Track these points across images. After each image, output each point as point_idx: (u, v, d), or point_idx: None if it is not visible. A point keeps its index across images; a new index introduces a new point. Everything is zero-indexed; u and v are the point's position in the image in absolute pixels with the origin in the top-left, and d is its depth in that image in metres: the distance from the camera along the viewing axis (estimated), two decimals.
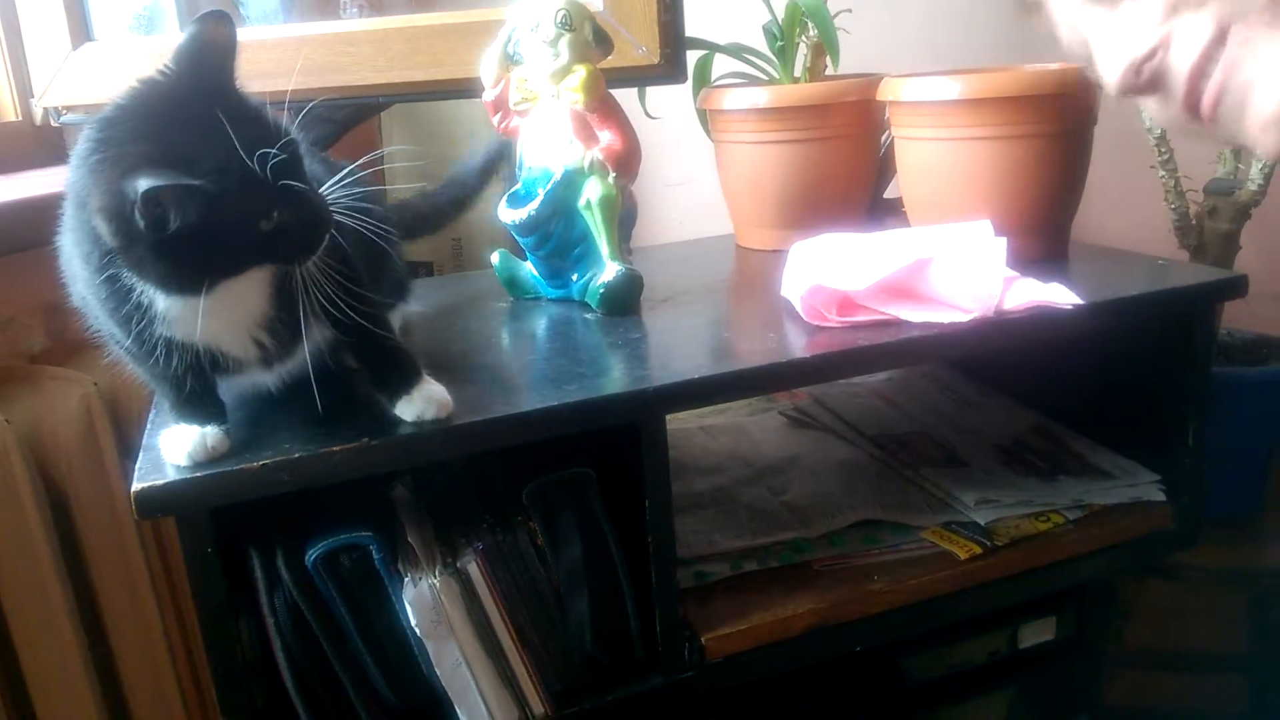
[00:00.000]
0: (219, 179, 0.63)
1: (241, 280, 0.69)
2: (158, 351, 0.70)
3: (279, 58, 1.11)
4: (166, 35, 1.18)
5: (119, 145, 0.64)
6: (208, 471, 0.71)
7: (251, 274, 0.69)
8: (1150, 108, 0.69)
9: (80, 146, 0.66)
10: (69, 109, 1.14)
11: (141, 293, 0.67)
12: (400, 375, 0.76)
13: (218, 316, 0.69)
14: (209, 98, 0.66)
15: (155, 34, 1.19)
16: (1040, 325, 0.92)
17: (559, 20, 0.95)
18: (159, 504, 0.71)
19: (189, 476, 0.70)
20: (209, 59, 0.68)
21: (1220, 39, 0.59)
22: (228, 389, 0.78)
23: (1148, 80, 0.63)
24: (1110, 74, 0.65)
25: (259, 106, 0.69)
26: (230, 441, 0.74)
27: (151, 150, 0.63)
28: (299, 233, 0.69)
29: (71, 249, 0.70)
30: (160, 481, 0.70)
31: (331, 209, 0.71)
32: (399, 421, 0.76)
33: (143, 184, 0.60)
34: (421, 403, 0.76)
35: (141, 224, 0.62)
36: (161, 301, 0.67)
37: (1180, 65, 0.61)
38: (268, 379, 0.78)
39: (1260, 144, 0.61)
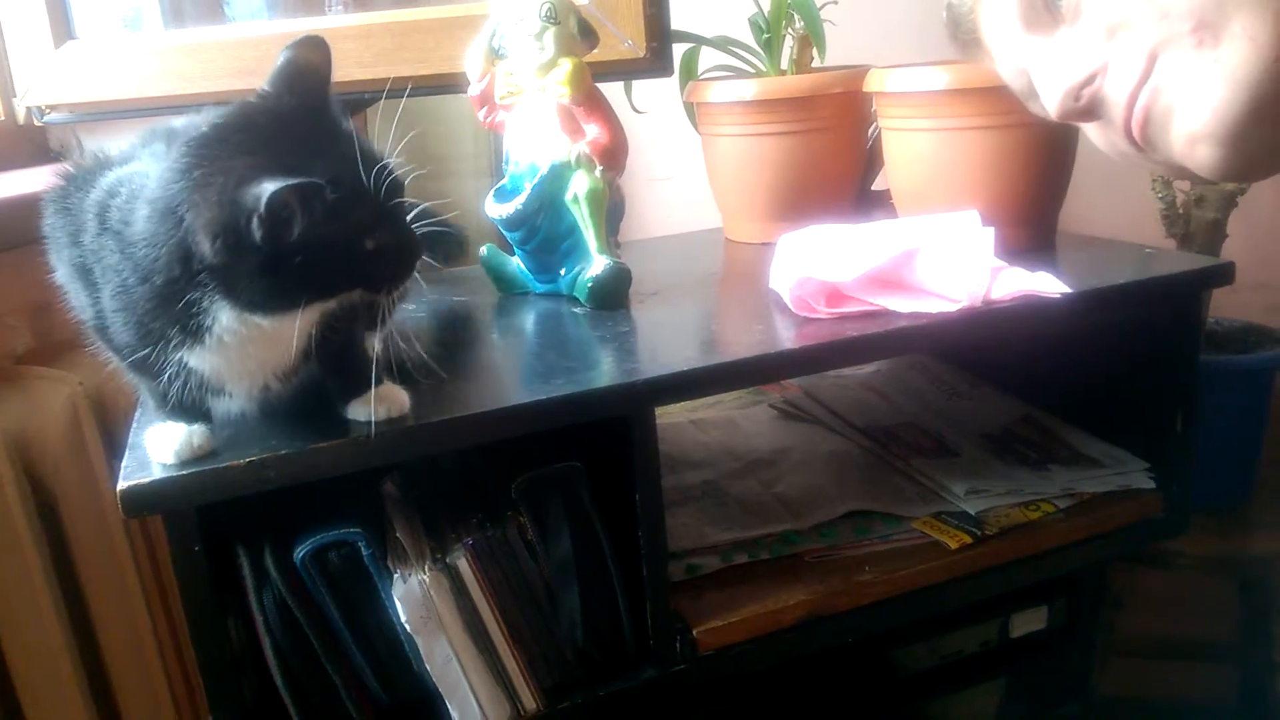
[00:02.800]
0: (335, 188, 0.62)
1: (300, 321, 0.68)
2: (169, 372, 0.69)
3: (263, 55, 1.10)
4: (150, 33, 1.18)
5: (226, 159, 0.63)
6: (193, 469, 0.70)
7: (305, 319, 0.68)
8: (1091, 135, 0.70)
9: (176, 162, 0.64)
10: (52, 108, 1.14)
11: (204, 315, 0.66)
12: (357, 379, 0.74)
13: (251, 359, 0.70)
14: (311, 119, 0.66)
15: (139, 31, 1.18)
16: (1028, 315, 0.92)
17: (544, 14, 0.95)
18: (145, 502, 0.70)
19: (175, 474, 0.70)
20: (307, 83, 0.68)
21: (1152, 68, 0.60)
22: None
23: (1086, 105, 0.64)
24: (1050, 99, 0.66)
25: (356, 134, 0.68)
26: (216, 439, 0.74)
27: (264, 162, 0.62)
28: (394, 259, 0.69)
29: (109, 248, 0.67)
30: (146, 479, 0.70)
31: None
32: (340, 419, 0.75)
33: (269, 187, 0.59)
34: (373, 402, 0.74)
35: (258, 235, 0.61)
36: (221, 323, 0.66)
37: (1117, 94, 0.62)
38: (250, 406, 0.76)
39: (1189, 159, 0.62)
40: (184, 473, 0.70)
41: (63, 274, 0.74)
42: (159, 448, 0.71)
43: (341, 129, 0.67)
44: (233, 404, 0.75)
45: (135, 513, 0.71)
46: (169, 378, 0.70)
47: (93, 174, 0.72)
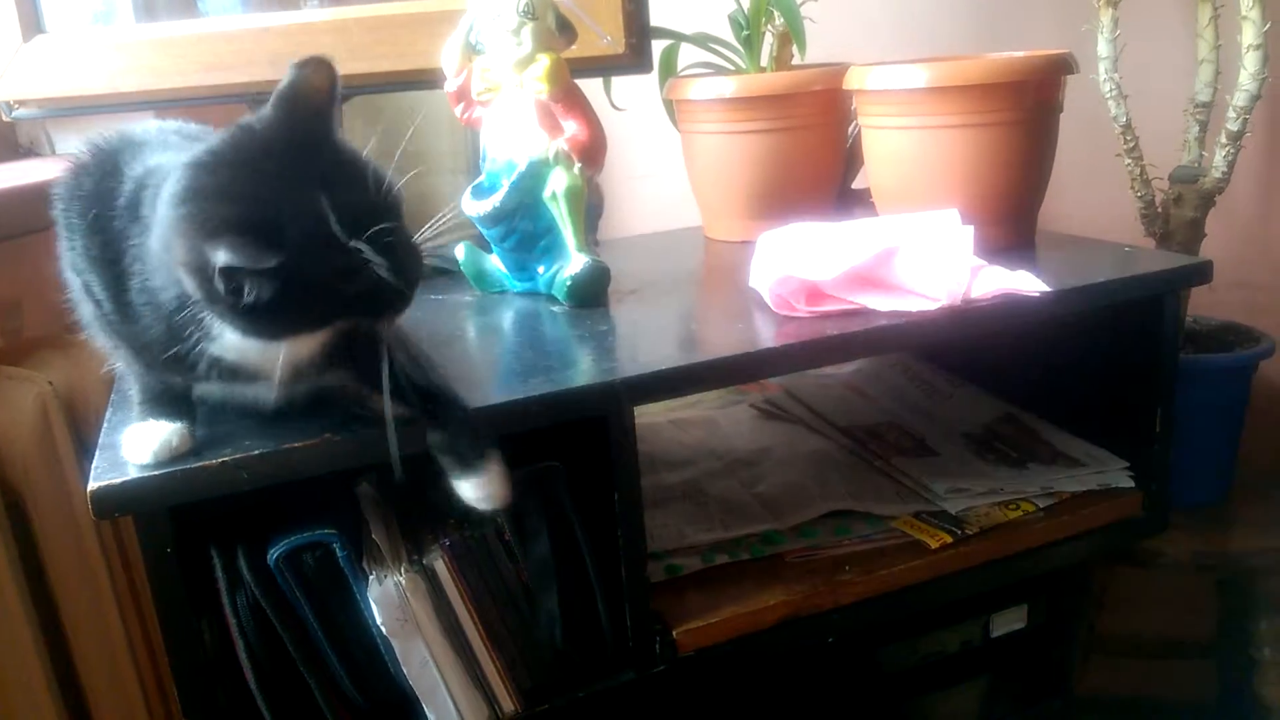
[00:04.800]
0: (303, 251, 0.61)
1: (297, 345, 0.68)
2: (200, 366, 0.69)
3: (236, 49, 1.09)
4: (121, 28, 1.16)
5: (208, 200, 0.62)
6: (166, 470, 0.69)
7: (304, 342, 0.68)
8: None
9: (173, 187, 0.63)
10: (20, 103, 1.12)
11: (211, 326, 0.66)
12: (468, 443, 0.73)
13: (272, 356, 0.68)
14: (304, 152, 0.65)
15: (110, 26, 1.17)
16: (1008, 313, 0.92)
17: (521, 9, 0.94)
18: (116, 503, 0.69)
19: (147, 475, 0.69)
20: (307, 108, 0.66)
21: None
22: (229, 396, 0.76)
23: None
24: None
25: (355, 159, 0.67)
26: (193, 440, 0.72)
27: (238, 213, 0.61)
28: (381, 295, 0.67)
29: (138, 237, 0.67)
30: (117, 480, 0.69)
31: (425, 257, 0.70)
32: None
33: (221, 258, 0.59)
34: (488, 488, 0.73)
35: (221, 289, 0.61)
36: (227, 336, 0.66)
37: None
38: (270, 396, 0.74)
39: None
40: (156, 473, 0.69)
41: (68, 265, 0.72)
42: (136, 448, 0.70)
43: (339, 163, 0.66)
44: (261, 390, 0.74)
45: (106, 514, 0.70)
46: (201, 368, 0.69)
47: (115, 157, 0.71)
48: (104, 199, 0.69)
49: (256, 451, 0.71)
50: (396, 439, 0.69)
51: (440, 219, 0.73)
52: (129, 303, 0.69)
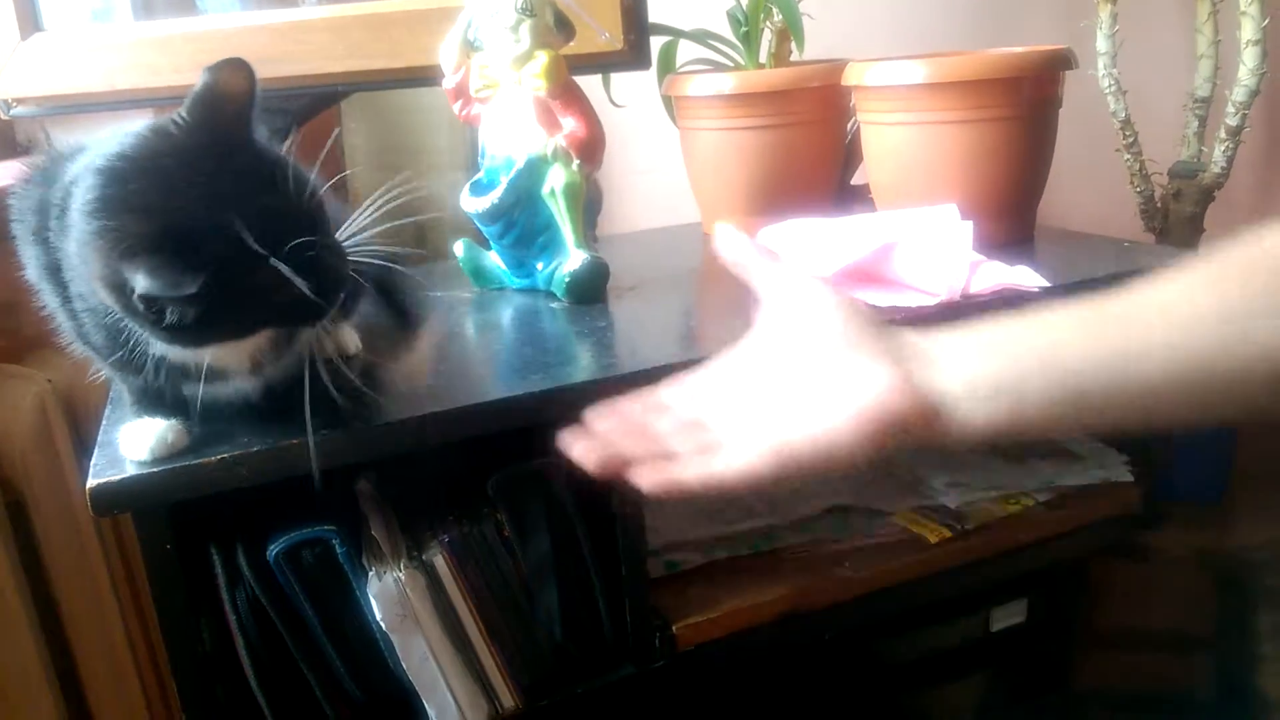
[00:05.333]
0: (222, 269, 0.60)
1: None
2: (147, 368, 0.68)
3: (234, 48, 1.07)
4: (120, 26, 1.16)
5: (122, 213, 0.60)
6: (165, 466, 0.69)
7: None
8: None
9: (84, 195, 0.61)
10: (19, 101, 1.12)
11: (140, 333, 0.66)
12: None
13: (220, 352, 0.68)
14: (222, 159, 0.63)
15: (108, 24, 1.17)
16: (1007, 308, 0.91)
17: (519, 6, 0.94)
18: (115, 500, 0.69)
19: (145, 472, 0.69)
20: (224, 112, 0.64)
21: None
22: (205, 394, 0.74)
23: None
24: None
25: (276, 163, 0.65)
26: (190, 436, 0.72)
27: (153, 232, 0.59)
28: (308, 303, 0.65)
29: (71, 254, 0.65)
30: (116, 477, 0.69)
31: (350, 259, 0.68)
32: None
33: (140, 284, 0.58)
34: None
35: (141, 309, 0.60)
36: (157, 344, 0.66)
37: None
38: (248, 386, 0.73)
39: None
40: (155, 470, 0.69)
41: (33, 274, 0.72)
42: (133, 445, 0.70)
43: (258, 169, 0.64)
44: (228, 387, 0.73)
45: (105, 511, 0.70)
46: (150, 372, 0.68)
47: (61, 165, 0.69)
48: (44, 210, 0.68)
49: (255, 448, 0.70)
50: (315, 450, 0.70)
51: (359, 215, 0.71)
52: (74, 310, 0.68)
